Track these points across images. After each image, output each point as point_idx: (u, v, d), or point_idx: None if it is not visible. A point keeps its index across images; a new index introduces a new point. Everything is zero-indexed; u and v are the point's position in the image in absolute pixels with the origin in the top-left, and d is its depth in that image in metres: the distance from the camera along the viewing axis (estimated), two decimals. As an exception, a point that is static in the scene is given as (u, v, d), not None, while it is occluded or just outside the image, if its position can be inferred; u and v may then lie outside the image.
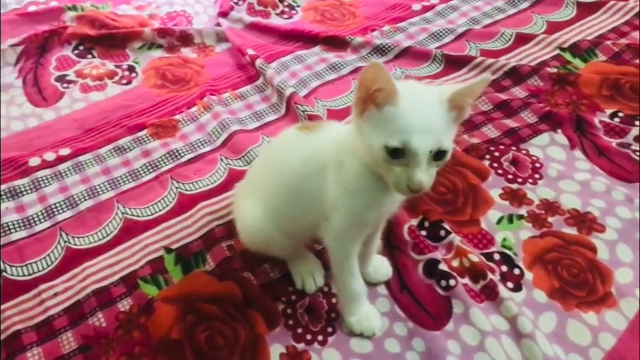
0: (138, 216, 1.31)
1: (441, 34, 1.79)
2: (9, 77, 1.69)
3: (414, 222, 1.25)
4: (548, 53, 1.68)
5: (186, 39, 1.81)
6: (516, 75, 1.60)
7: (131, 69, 1.72)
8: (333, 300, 1.13)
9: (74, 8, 1.90)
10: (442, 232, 1.22)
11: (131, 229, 1.28)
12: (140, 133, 1.51)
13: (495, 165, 1.37)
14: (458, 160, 1.38)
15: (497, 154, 1.39)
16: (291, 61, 1.71)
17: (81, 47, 1.79)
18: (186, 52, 1.78)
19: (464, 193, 1.32)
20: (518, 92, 1.57)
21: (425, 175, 0.80)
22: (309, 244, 1.18)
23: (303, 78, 1.65)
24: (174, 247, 1.25)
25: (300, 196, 0.99)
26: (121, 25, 1.81)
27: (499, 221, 1.26)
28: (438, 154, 0.81)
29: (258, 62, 1.66)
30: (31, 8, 1.91)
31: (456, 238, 1.20)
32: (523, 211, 1.27)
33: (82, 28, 1.81)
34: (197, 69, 1.72)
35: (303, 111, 1.50)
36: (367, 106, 0.82)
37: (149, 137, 1.50)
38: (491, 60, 1.64)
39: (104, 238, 1.27)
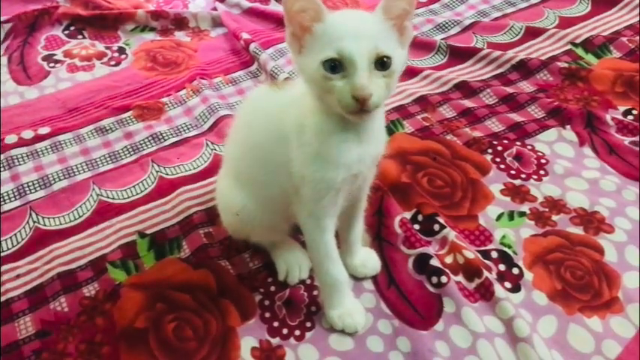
0: (113, 198, 1.24)
1: (447, 25, 1.71)
2: (-6, 54, 1.64)
3: (407, 215, 1.16)
4: (559, 48, 1.59)
5: (180, 22, 1.74)
6: (524, 69, 1.52)
7: (121, 50, 1.66)
8: (315, 292, 1.05)
9: (69, -11, 1.84)
10: (436, 227, 1.13)
11: (105, 212, 1.21)
12: (124, 115, 1.44)
13: (498, 160, 1.29)
14: (457, 153, 1.30)
15: (500, 148, 1.31)
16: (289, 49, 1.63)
17: (72, 27, 1.73)
18: (180, 35, 1.72)
19: (462, 187, 1.23)
20: (526, 86, 1.49)
21: (367, 80, 0.74)
22: (293, 233, 1.10)
23: (300, 65, 1.57)
24: (149, 232, 1.17)
25: (268, 164, 0.93)
26: (115, 7, 1.75)
27: (499, 218, 1.17)
28: (382, 63, 0.76)
29: (253, 47, 1.58)
30: (25, -13, 1.86)
31: (450, 233, 1.11)
32: (525, 208, 1.18)
33: (74, 9, 1.75)
34: (190, 53, 1.65)
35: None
36: (302, 40, 0.78)
37: (133, 119, 1.43)
38: (498, 52, 1.55)
39: (76, 219, 1.20)
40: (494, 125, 1.37)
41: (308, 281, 1.07)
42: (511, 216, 1.17)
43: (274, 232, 1.06)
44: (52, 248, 1.13)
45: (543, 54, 1.57)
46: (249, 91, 1.52)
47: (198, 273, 1.08)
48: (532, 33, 1.64)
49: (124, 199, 1.24)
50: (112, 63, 1.61)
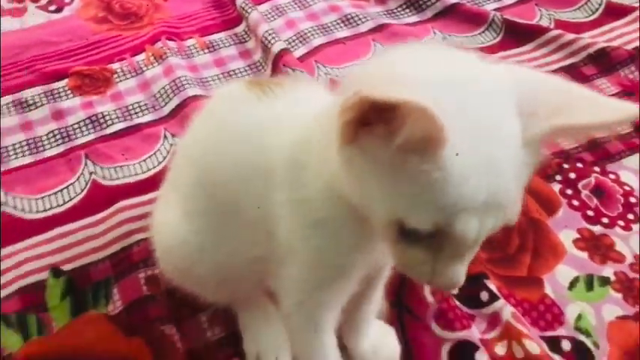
0: (23, 210, 0.88)
1: (502, -9, 1.32)
2: None
3: (442, 272, 0.81)
4: (649, 35, 1.21)
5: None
6: (605, 61, 1.14)
7: (67, -9, 1.28)
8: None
9: None
10: (484, 295, 0.78)
11: (8, 232, 0.85)
12: (57, 84, 1.08)
13: (569, 192, 0.94)
14: (514, 177, 0.94)
15: (572, 175, 0.96)
16: (290, 5, 1.26)
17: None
18: (148, -24, 1.33)
19: (520, 231, 0.88)
20: (606, 86, 1.11)
21: (465, 268, 0.44)
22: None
23: (304, 31, 1.20)
24: (66, 267, 0.82)
25: (236, 214, 0.57)
26: None
27: (572, 285, 0.83)
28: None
29: (241, 0, 1.19)
30: None
31: (505, 309, 0.76)
32: (609, 271, 0.84)
33: None
34: (157, 1, 1.27)
35: (295, 78, 1.04)
36: (371, 130, 0.39)
37: (68, 91, 1.07)
38: (571, 36, 1.17)
39: (-37, 241, 0.84)
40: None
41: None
42: (589, 283, 0.83)
43: (239, 292, 0.71)
44: None
45: (628, 42, 1.19)
46: (230, 62, 1.14)
47: (131, 343, 0.74)
48: (614, 11, 1.26)
49: (39, 212, 0.88)
50: (52, 8, 1.24)
